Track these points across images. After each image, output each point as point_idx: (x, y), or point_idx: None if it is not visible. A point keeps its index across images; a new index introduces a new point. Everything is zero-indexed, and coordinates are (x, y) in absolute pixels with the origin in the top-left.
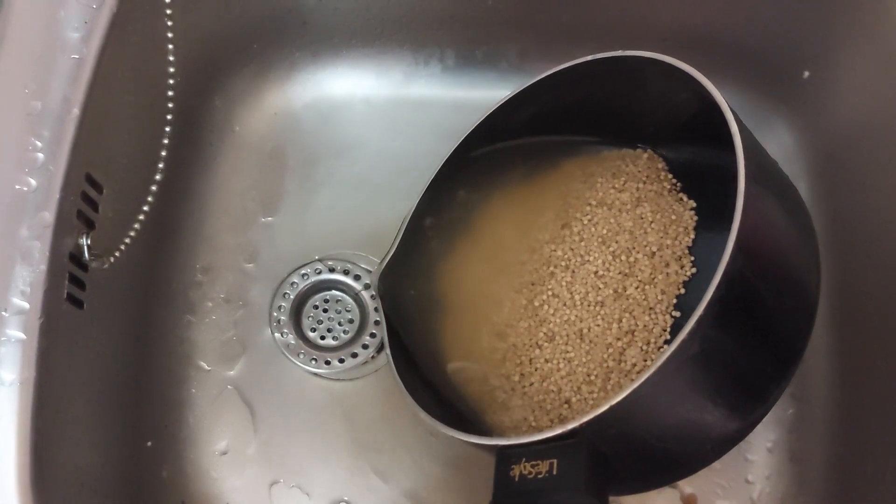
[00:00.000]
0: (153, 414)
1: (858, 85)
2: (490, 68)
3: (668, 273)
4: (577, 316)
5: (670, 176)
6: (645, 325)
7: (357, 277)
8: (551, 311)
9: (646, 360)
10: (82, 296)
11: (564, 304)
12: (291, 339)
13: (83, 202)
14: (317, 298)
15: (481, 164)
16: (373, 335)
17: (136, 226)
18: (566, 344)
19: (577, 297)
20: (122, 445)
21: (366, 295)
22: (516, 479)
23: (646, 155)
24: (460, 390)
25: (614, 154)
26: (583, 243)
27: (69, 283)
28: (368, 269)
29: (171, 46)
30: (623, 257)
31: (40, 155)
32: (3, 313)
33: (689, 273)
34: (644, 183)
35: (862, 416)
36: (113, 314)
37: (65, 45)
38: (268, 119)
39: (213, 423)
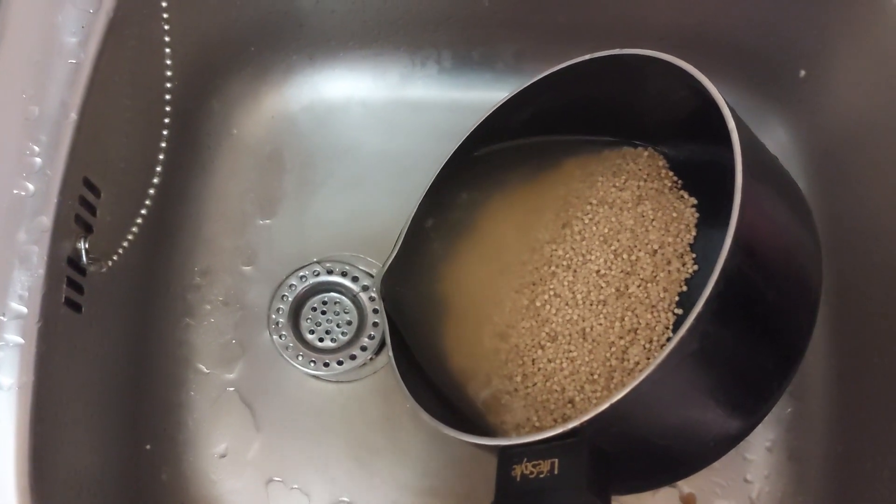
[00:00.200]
0: (152, 417)
1: (855, 83)
2: (487, 69)
3: (669, 271)
4: (579, 315)
5: (671, 173)
6: (647, 324)
7: (355, 279)
8: (553, 310)
9: (648, 359)
10: (80, 300)
11: (566, 304)
12: (290, 341)
13: (81, 206)
14: (315, 300)
15: (482, 165)
16: (371, 337)
17: (134, 229)
18: (569, 343)
19: (579, 296)
20: (122, 448)
21: (364, 297)
22: (518, 479)
23: (646, 153)
24: (463, 391)
25: (615, 152)
26: (584, 242)
27: (67, 287)
28: (367, 270)
29: (168, 50)
30: (625, 256)
31: (38, 159)
32: (2, 318)
33: (690, 270)
34: (645, 181)
35: (860, 415)
36: (111, 318)
37: (62, 49)
38: (265, 122)
39: (213, 425)
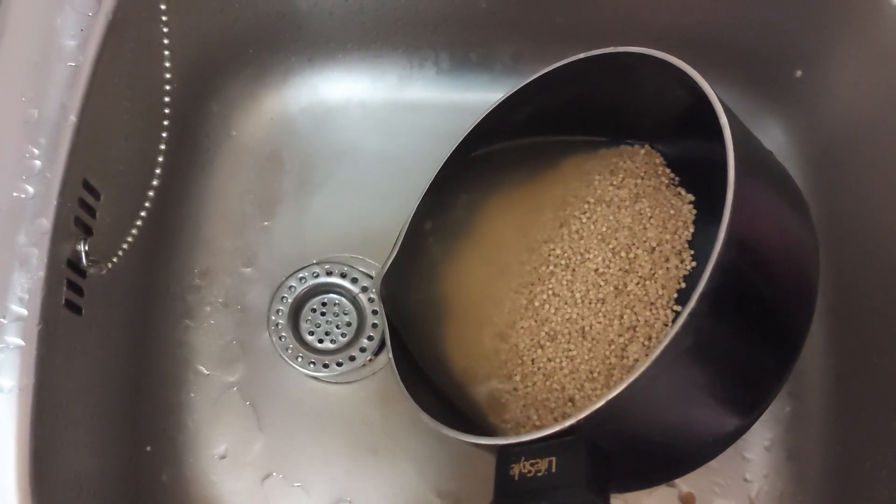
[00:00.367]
0: (152, 418)
1: (851, 83)
2: (484, 70)
3: (668, 268)
4: (578, 314)
5: (668, 171)
6: (646, 321)
7: (355, 280)
8: (552, 310)
9: (648, 356)
10: (81, 302)
11: (565, 303)
12: (290, 342)
13: (80, 208)
14: (314, 302)
15: (479, 166)
16: (370, 338)
17: (134, 231)
18: (568, 342)
19: (577, 295)
20: (122, 450)
21: (364, 298)
22: (516, 478)
23: (643, 151)
24: (463, 391)
25: (611, 151)
26: (582, 241)
27: (67, 290)
28: (366, 272)
29: (167, 52)
30: (623, 254)
31: (37, 162)
32: (2, 320)
33: (689, 267)
34: (642, 178)
35: (859, 414)
36: (111, 319)
37: (61, 52)
38: (264, 123)
39: (213, 426)
